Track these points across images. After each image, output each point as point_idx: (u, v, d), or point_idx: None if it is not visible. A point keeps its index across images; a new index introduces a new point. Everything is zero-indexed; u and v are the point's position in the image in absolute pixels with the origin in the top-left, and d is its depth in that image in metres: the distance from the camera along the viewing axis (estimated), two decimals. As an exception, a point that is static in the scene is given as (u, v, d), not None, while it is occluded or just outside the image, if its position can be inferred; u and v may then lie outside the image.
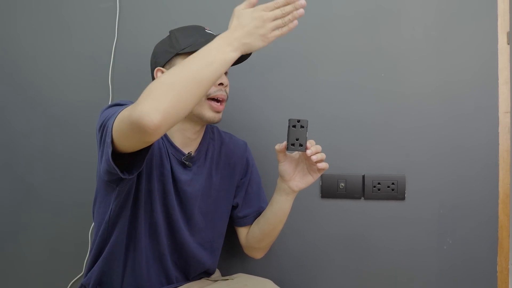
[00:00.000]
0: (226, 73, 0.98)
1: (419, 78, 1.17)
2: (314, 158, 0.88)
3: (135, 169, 0.82)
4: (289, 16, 0.77)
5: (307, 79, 1.21)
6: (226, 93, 0.96)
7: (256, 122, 1.22)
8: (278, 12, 0.76)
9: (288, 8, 0.77)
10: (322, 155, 0.90)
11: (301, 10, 0.77)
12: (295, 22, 0.78)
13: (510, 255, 1.14)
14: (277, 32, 0.77)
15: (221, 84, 0.94)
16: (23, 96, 1.33)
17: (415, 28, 1.17)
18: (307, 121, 0.87)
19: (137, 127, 0.69)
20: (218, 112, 0.94)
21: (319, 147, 0.90)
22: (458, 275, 1.15)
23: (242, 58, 0.96)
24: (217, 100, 0.94)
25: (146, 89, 0.72)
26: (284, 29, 0.78)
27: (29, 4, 1.33)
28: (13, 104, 1.34)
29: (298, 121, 0.87)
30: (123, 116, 0.74)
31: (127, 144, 0.77)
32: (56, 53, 1.31)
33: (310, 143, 0.89)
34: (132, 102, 0.87)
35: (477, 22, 1.15)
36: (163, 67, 0.95)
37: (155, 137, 0.73)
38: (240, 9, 0.78)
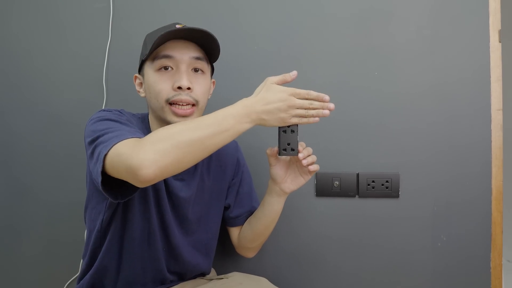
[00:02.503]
0: (198, 70, 0.90)
1: (412, 77, 1.18)
2: (304, 162, 0.88)
3: (129, 194, 0.80)
4: (313, 112, 0.78)
5: (300, 79, 1.19)
6: (192, 98, 0.87)
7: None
8: (306, 103, 0.78)
9: (316, 104, 0.78)
10: (313, 158, 0.89)
11: (327, 111, 0.79)
12: (317, 118, 0.79)
13: (503, 251, 1.15)
14: (296, 120, 0.78)
15: (179, 88, 0.86)
16: (18, 96, 1.33)
17: (408, 27, 1.18)
18: (297, 125, 0.85)
19: (132, 173, 0.68)
20: (183, 116, 0.86)
21: (310, 150, 0.89)
22: (452, 271, 1.16)
23: (215, 55, 0.93)
24: (178, 105, 0.86)
25: (153, 134, 0.71)
26: (304, 121, 0.79)
27: (23, 4, 1.33)
28: (8, 104, 1.33)
29: (288, 126, 0.85)
30: (120, 153, 0.70)
31: (119, 177, 0.74)
32: (50, 53, 1.31)
33: (301, 145, 0.88)
34: (119, 112, 0.86)
35: (469, 21, 1.16)
36: (139, 73, 0.95)
37: (144, 186, 0.72)
38: (272, 82, 0.78)
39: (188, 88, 0.86)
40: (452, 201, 1.16)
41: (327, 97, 0.79)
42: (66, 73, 1.30)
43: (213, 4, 1.25)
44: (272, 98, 0.76)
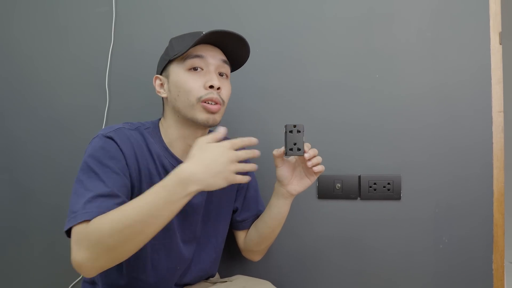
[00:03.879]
0: (222, 75, 0.93)
1: (413, 79, 1.18)
2: (309, 163, 0.90)
3: None
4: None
5: (302, 81, 1.22)
6: (220, 97, 0.89)
7: (252, 125, 1.23)
8: (243, 153, 0.75)
9: (252, 152, 0.76)
10: (318, 159, 0.91)
11: (257, 152, 0.77)
12: (255, 166, 0.78)
13: (506, 253, 1.15)
14: (239, 178, 0.74)
15: (211, 86, 0.88)
16: (20, 100, 1.34)
17: (409, 29, 1.19)
18: (303, 125, 0.88)
19: (77, 269, 0.73)
20: (212, 113, 0.88)
21: (315, 150, 0.91)
22: (454, 273, 1.16)
23: (241, 62, 0.97)
24: (209, 103, 0.88)
25: (92, 231, 0.71)
26: (245, 179, 0.76)
27: (26, 8, 1.34)
28: (10, 108, 1.34)
29: (295, 126, 0.88)
30: (71, 240, 0.74)
31: None
32: (53, 57, 1.32)
33: (306, 146, 0.90)
34: (112, 142, 0.85)
35: (469, 23, 1.16)
36: (160, 74, 0.95)
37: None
38: (204, 142, 0.74)
39: (218, 88, 0.89)
40: (454, 203, 1.16)
41: (254, 140, 0.77)
42: (69, 77, 1.31)
43: (214, 7, 1.25)
44: (211, 156, 0.72)
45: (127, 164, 0.85)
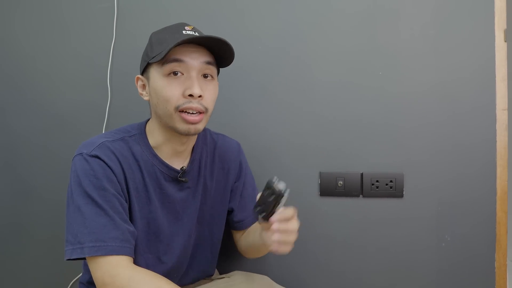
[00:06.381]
0: (207, 76, 0.86)
1: (417, 76, 1.17)
2: (273, 237, 0.76)
3: None
4: None
5: (304, 78, 1.22)
6: (203, 105, 0.83)
7: (253, 124, 1.23)
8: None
9: None
10: (288, 237, 0.77)
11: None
12: None
13: (508, 251, 1.15)
14: None
15: (190, 95, 0.82)
16: (22, 97, 1.33)
17: (412, 26, 1.18)
18: (286, 189, 0.72)
19: None
20: (192, 123, 0.83)
21: (290, 226, 0.76)
22: (457, 272, 1.15)
23: (227, 62, 0.89)
24: (188, 112, 0.83)
25: None
26: None
27: (27, 5, 1.33)
28: (12, 105, 1.34)
29: (272, 187, 0.72)
30: (95, 273, 0.77)
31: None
32: (54, 53, 1.32)
33: (283, 213, 0.76)
34: (96, 147, 0.83)
35: (474, 20, 1.15)
36: (141, 75, 0.90)
37: None
38: None
39: (199, 96, 0.83)
40: (457, 201, 1.15)
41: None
42: (70, 73, 1.31)
43: (217, 3, 1.25)
44: None
45: (117, 180, 0.83)
